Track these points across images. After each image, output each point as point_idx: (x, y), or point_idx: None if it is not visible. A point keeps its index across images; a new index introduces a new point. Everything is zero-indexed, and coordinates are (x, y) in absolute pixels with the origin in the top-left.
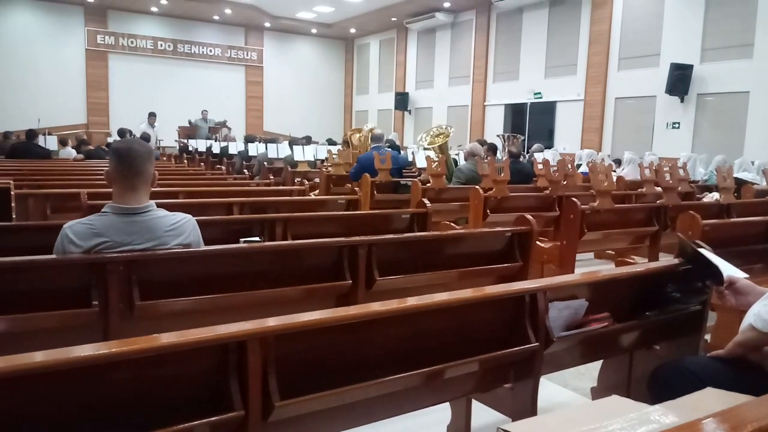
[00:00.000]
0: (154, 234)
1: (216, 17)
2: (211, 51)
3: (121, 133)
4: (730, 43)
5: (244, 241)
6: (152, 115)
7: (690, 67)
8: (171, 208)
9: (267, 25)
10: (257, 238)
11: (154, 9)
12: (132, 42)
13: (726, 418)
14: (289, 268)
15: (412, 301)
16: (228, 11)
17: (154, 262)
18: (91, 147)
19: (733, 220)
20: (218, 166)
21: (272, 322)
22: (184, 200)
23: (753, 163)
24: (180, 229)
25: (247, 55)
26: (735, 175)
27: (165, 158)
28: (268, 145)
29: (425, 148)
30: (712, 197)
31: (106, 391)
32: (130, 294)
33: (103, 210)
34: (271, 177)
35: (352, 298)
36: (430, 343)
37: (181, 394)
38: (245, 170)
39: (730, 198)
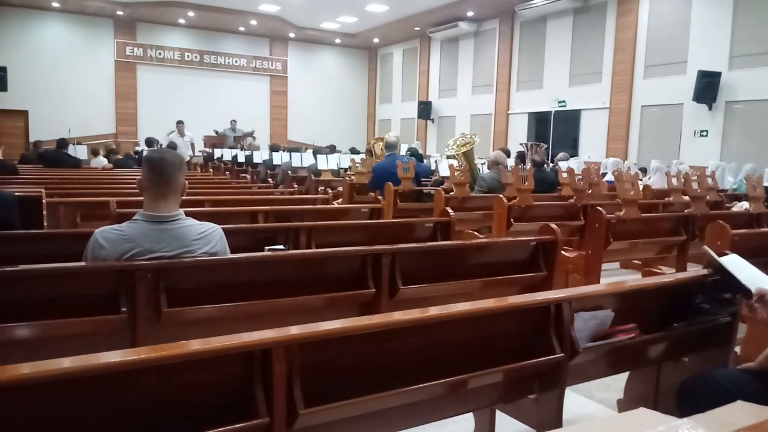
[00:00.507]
0: (182, 242)
1: (242, 28)
2: (236, 61)
3: (149, 142)
4: (759, 50)
5: (269, 250)
6: (180, 123)
7: (718, 75)
8: (197, 216)
9: (291, 35)
10: (282, 247)
11: (181, 21)
12: (160, 53)
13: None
14: (313, 277)
15: (434, 311)
16: (253, 22)
17: (181, 269)
18: (120, 156)
19: (763, 230)
20: (243, 174)
21: (296, 330)
22: (209, 209)
23: None
24: (207, 238)
25: (272, 66)
26: (765, 184)
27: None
28: (292, 154)
29: (448, 157)
30: (741, 207)
31: (133, 397)
32: (158, 301)
33: (134, 218)
34: (295, 186)
35: (375, 306)
36: (454, 353)
37: (207, 401)
38: (269, 179)
39: (760, 207)
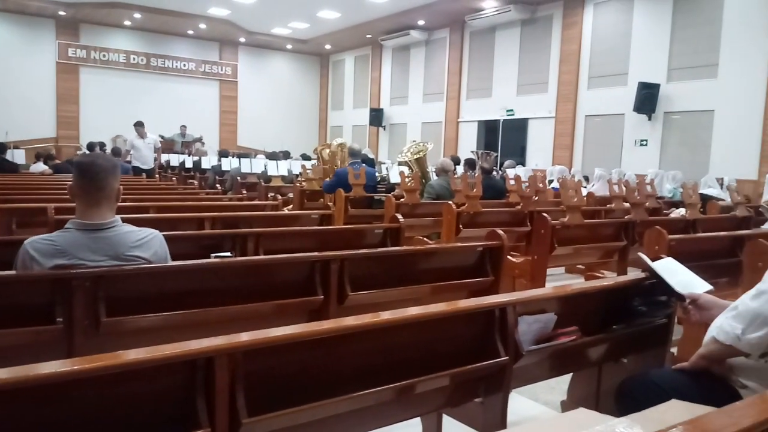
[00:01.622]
0: (119, 250)
1: (190, 32)
2: (185, 65)
3: (91, 146)
4: (695, 63)
5: (215, 257)
6: (140, 125)
7: (657, 86)
8: (141, 223)
9: (242, 40)
10: (228, 254)
11: (127, 23)
12: (104, 55)
13: (689, 429)
14: (261, 284)
15: (382, 316)
16: (203, 26)
17: (121, 277)
18: (59, 161)
19: (698, 235)
20: (191, 181)
21: (241, 337)
22: (154, 215)
23: (722, 180)
24: (147, 245)
25: (222, 70)
26: (700, 192)
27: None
28: (242, 159)
29: (401, 163)
30: (678, 213)
31: (70, 409)
32: (96, 311)
33: (66, 226)
34: (244, 192)
35: (324, 313)
36: (402, 358)
37: (148, 413)
38: (218, 185)
39: (696, 213)
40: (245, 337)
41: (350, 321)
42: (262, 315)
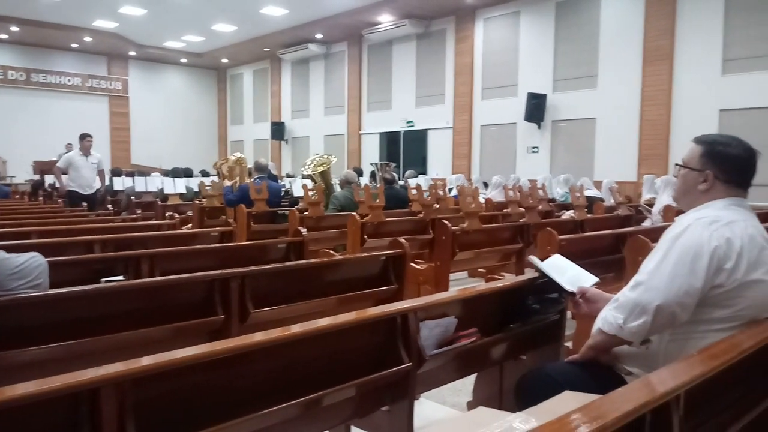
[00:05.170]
0: None
1: (75, 45)
2: (69, 81)
3: None
4: (577, 75)
5: (105, 281)
6: (87, 137)
7: (544, 97)
8: (21, 250)
9: (132, 53)
10: (120, 278)
11: (3, 36)
12: None
13: (578, 418)
14: (157, 307)
15: (275, 333)
16: (88, 39)
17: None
18: None
19: (585, 234)
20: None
21: (126, 365)
22: (37, 240)
23: (602, 182)
24: (24, 272)
25: (111, 85)
26: (586, 193)
27: (18, 196)
28: (136, 178)
29: (305, 177)
30: (568, 214)
31: None
32: None
33: None
34: (139, 212)
35: (226, 333)
36: (307, 372)
37: None
38: (110, 206)
39: (583, 214)
40: (133, 364)
41: (240, 341)
42: (160, 340)
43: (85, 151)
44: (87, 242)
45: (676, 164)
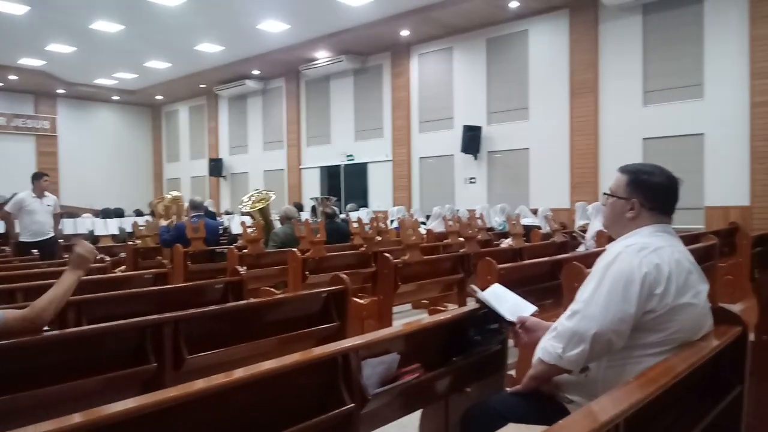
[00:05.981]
0: None
1: None
2: None
3: None
4: (510, 107)
5: None
6: (42, 177)
7: (479, 129)
8: None
9: (60, 91)
10: (46, 328)
11: None
12: None
13: None
14: (83, 358)
15: (199, 384)
16: (13, 77)
17: None
18: None
19: (524, 262)
20: (1, 248)
21: (58, 423)
22: None
23: (536, 211)
24: None
25: (38, 124)
26: (523, 222)
27: None
28: (65, 220)
29: (243, 213)
30: (507, 243)
31: None
32: None
33: None
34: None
35: (159, 382)
36: (244, 422)
37: None
38: (34, 250)
39: (521, 242)
40: (64, 422)
41: (172, 392)
42: (87, 393)
43: (40, 193)
44: (9, 290)
45: (605, 193)
